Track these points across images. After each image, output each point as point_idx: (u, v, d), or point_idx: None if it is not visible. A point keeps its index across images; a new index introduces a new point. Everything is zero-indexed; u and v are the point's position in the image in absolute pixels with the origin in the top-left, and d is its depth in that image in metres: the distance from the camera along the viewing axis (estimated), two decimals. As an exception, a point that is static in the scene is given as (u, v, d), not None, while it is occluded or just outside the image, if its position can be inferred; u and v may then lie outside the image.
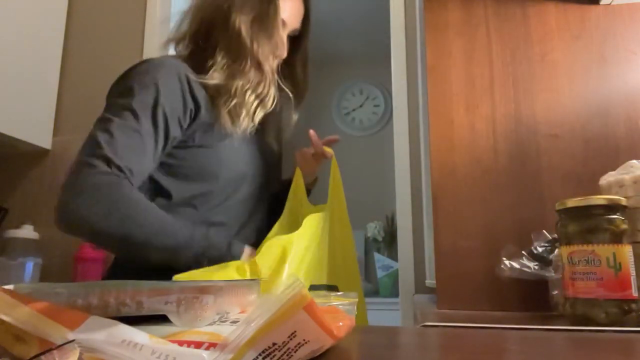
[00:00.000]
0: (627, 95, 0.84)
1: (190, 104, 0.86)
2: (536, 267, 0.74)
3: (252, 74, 0.89)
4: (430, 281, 1.30)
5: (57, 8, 1.98)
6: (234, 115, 0.88)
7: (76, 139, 1.90)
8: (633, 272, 0.58)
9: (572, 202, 0.62)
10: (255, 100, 0.90)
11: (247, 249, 0.83)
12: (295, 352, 0.30)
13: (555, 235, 0.76)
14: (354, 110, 3.55)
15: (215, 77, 0.87)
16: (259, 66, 0.90)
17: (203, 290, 0.35)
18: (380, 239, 3.03)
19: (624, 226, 0.59)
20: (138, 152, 0.79)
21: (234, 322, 0.34)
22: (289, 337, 0.29)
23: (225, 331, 0.30)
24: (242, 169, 0.93)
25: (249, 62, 0.88)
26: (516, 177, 0.84)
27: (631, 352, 0.43)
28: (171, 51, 0.99)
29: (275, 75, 0.95)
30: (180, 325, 0.33)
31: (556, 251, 0.73)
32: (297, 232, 0.84)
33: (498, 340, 0.48)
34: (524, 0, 0.90)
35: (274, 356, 0.29)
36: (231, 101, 0.87)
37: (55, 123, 1.94)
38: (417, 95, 1.77)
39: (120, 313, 0.33)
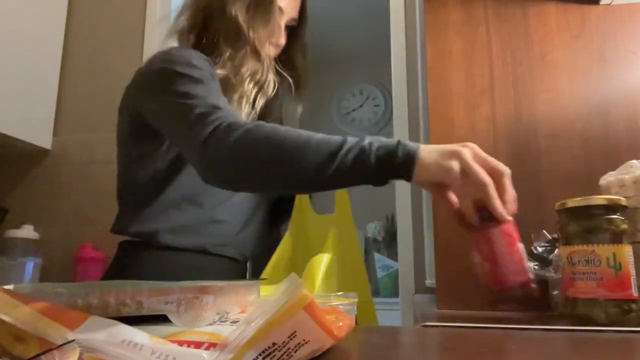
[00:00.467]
0: (627, 95, 0.84)
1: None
2: (536, 267, 0.74)
3: (250, 61, 0.89)
4: (430, 281, 1.30)
5: (57, 8, 1.98)
6: (236, 105, 0.88)
7: (76, 139, 1.91)
8: (633, 272, 0.58)
9: (572, 202, 0.62)
10: (254, 88, 0.90)
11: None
12: (295, 352, 0.30)
13: (555, 235, 0.76)
14: (354, 110, 3.55)
15: (223, 69, 0.87)
16: (256, 53, 0.89)
17: (203, 290, 0.35)
18: (380, 239, 3.03)
19: (624, 226, 0.59)
20: (221, 97, 0.78)
21: (234, 322, 0.34)
22: (289, 337, 0.29)
23: (225, 331, 0.30)
24: None
25: (247, 49, 0.88)
26: (516, 177, 0.84)
27: (631, 352, 0.43)
28: (172, 43, 0.98)
29: (273, 62, 0.95)
30: (180, 325, 0.33)
31: (556, 251, 0.73)
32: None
33: (498, 340, 0.48)
34: (524, 0, 0.90)
35: (274, 356, 0.29)
36: (234, 91, 0.87)
37: (55, 123, 1.94)
38: (417, 95, 1.77)
39: (120, 313, 0.33)
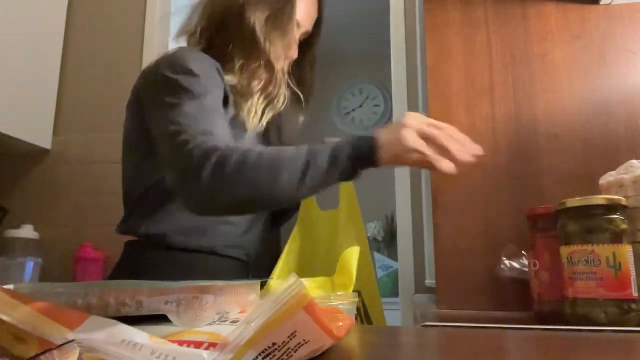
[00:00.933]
0: (627, 95, 0.84)
1: (223, 97, 0.84)
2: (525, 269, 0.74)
3: (263, 74, 0.88)
4: (430, 281, 1.30)
5: (57, 8, 1.98)
6: (245, 116, 0.87)
7: (76, 139, 1.92)
8: (633, 272, 0.58)
9: (572, 202, 0.62)
10: (264, 101, 0.89)
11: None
12: (295, 352, 0.30)
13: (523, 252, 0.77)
14: (354, 110, 3.55)
15: (235, 79, 0.86)
16: (269, 66, 0.87)
17: (203, 290, 0.35)
18: (380, 239, 3.03)
19: (624, 226, 0.59)
20: (223, 126, 0.78)
21: (234, 322, 0.34)
22: (289, 337, 0.29)
23: (225, 331, 0.30)
24: None
25: (261, 61, 0.86)
26: (516, 177, 0.84)
27: (631, 352, 0.43)
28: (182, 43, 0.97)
29: (286, 76, 0.93)
30: (180, 325, 0.33)
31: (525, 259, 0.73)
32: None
33: (498, 340, 0.48)
34: (524, 0, 0.90)
35: (274, 356, 0.29)
36: (245, 102, 0.86)
37: (55, 123, 1.94)
38: (417, 95, 1.77)
39: (120, 313, 0.33)
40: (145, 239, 0.86)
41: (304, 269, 0.92)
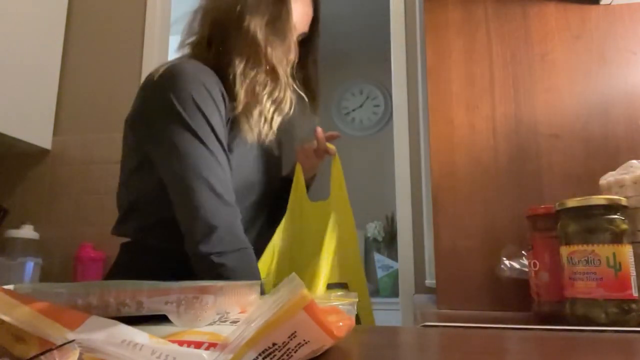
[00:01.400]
0: (627, 95, 0.84)
1: (224, 121, 0.85)
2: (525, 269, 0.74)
3: (268, 80, 0.87)
4: (430, 281, 1.30)
5: (57, 8, 1.98)
6: (254, 126, 0.87)
7: (76, 139, 1.91)
8: (633, 272, 0.58)
9: (572, 202, 0.62)
10: (272, 106, 0.88)
11: None
12: (295, 352, 0.30)
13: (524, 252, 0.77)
14: (354, 110, 3.55)
15: (241, 97, 0.85)
16: (273, 70, 0.87)
17: (203, 290, 0.35)
18: (380, 239, 3.03)
19: (624, 226, 0.59)
20: (230, 179, 0.83)
21: (234, 322, 0.34)
22: (289, 337, 0.29)
23: (225, 331, 0.30)
24: (250, 179, 0.93)
25: (264, 66, 0.86)
26: (516, 177, 0.84)
27: (631, 352, 0.43)
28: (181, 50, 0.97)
29: (290, 79, 0.93)
30: (180, 325, 0.33)
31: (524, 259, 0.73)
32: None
33: (498, 340, 0.48)
34: (524, 0, 0.90)
35: (274, 356, 0.29)
36: (252, 113, 0.86)
37: (55, 123, 1.94)
38: (417, 95, 1.77)
39: (120, 313, 0.33)
40: (140, 241, 0.86)
41: (291, 260, 0.93)
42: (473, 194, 0.84)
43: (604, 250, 0.58)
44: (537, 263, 0.70)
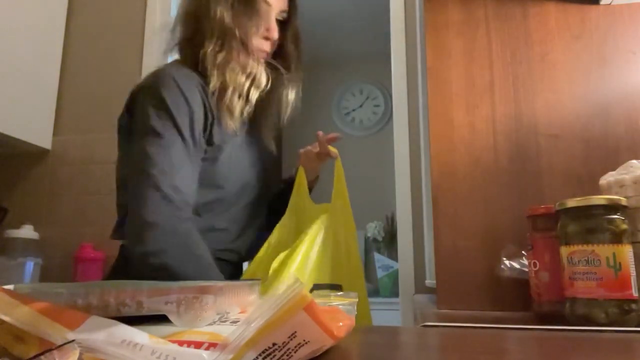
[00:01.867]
0: (627, 95, 0.84)
1: (209, 116, 0.87)
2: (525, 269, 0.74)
3: (240, 56, 0.89)
4: (430, 281, 1.30)
5: (57, 8, 1.98)
6: (231, 106, 0.88)
7: (76, 139, 1.91)
8: (633, 272, 0.58)
9: (572, 202, 0.62)
10: (246, 81, 0.90)
11: None
12: (295, 352, 0.30)
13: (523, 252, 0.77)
14: (354, 110, 3.55)
15: (214, 77, 0.87)
16: (244, 47, 0.90)
17: (203, 290, 0.35)
18: (380, 239, 3.03)
19: (624, 226, 0.59)
20: (191, 179, 0.83)
21: (234, 322, 0.34)
22: (289, 337, 0.29)
23: (225, 331, 0.30)
24: (245, 178, 0.93)
25: (233, 45, 0.89)
26: (516, 177, 0.84)
27: (631, 352, 0.43)
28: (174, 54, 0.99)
29: (265, 55, 0.94)
30: (180, 325, 0.33)
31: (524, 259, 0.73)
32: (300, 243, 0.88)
33: (498, 340, 0.48)
34: (524, 0, 0.90)
35: (274, 356, 0.29)
36: (227, 92, 0.88)
37: (55, 123, 1.94)
38: (417, 95, 1.77)
39: (120, 313, 0.33)
40: None
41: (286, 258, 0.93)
42: (473, 194, 0.84)
43: (604, 250, 0.58)
44: (537, 263, 0.70)
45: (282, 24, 0.98)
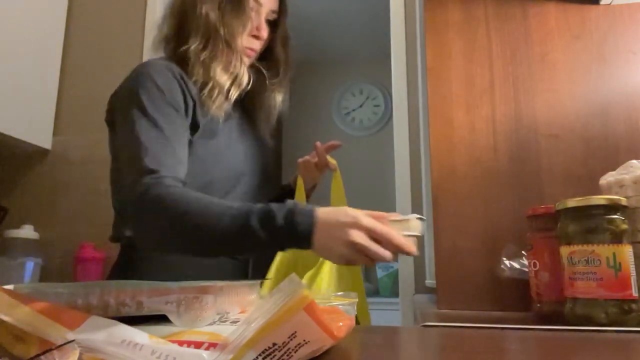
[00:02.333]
0: (627, 95, 0.84)
1: (190, 101, 0.87)
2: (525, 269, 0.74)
3: (223, 54, 0.90)
4: (430, 281, 1.30)
5: (57, 8, 1.98)
6: (210, 99, 0.89)
7: (76, 139, 1.91)
8: (633, 272, 0.58)
9: (572, 202, 0.62)
10: (228, 80, 0.90)
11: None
12: (295, 352, 0.30)
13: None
14: (354, 110, 3.55)
15: (198, 74, 0.88)
16: (228, 45, 0.90)
17: (203, 290, 0.35)
18: (380, 239, 3.03)
19: (624, 226, 0.59)
20: (171, 153, 0.82)
21: (234, 322, 0.34)
22: (289, 337, 0.29)
23: (225, 331, 0.30)
24: (237, 167, 0.93)
25: (217, 43, 0.89)
26: (516, 177, 0.84)
27: (631, 352, 0.43)
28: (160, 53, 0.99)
29: (250, 55, 0.95)
30: (180, 325, 0.33)
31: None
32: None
33: (498, 340, 0.48)
34: (524, 0, 0.90)
35: (274, 356, 0.29)
36: (208, 86, 0.88)
37: (55, 123, 1.94)
38: (417, 95, 1.77)
39: (120, 313, 0.33)
40: (134, 245, 0.86)
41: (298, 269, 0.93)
42: (473, 194, 0.84)
43: (604, 250, 0.58)
44: (537, 263, 0.70)
45: (272, 25, 0.98)
